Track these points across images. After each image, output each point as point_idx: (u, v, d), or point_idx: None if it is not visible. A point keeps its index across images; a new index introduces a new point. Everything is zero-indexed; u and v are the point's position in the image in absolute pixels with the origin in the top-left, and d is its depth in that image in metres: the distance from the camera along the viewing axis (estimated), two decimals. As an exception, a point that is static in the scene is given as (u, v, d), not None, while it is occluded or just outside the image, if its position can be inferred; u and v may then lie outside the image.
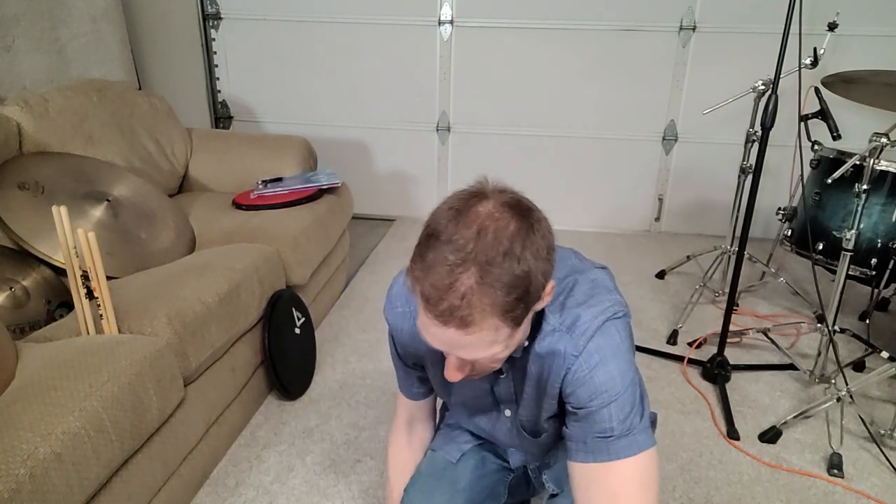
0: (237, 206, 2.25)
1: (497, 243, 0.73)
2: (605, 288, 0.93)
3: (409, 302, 1.01)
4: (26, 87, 2.18)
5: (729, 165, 3.17)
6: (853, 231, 1.80)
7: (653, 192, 3.34)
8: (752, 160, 2.00)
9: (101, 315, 1.37)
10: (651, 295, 2.69)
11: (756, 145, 2.21)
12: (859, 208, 1.80)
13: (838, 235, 1.86)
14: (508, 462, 1.21)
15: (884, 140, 1.75)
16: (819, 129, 2.05)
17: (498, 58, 3.16)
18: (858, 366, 2.14)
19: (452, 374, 0.85)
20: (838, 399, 1.78)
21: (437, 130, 3.35)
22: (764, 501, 1.57)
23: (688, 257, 2.83)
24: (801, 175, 2.13)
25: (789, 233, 2.23)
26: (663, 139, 3.23)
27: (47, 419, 1.07)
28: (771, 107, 1.72)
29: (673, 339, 2.30)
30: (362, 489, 1.58)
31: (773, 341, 2.19)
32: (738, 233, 2.02)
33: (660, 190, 3.33)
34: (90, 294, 1.35)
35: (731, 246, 2.58)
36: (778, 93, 1.72)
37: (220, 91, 3.41)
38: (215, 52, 3.33)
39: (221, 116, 3.46)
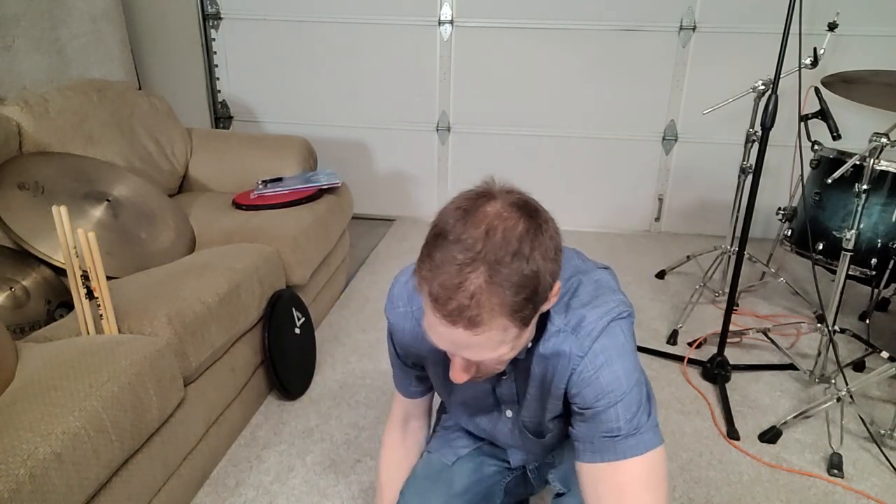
0: (237, 206, 2.25)
1: (506, 243, 0.73)
2: (610, 288, 0.93)
3: (410, 301, 1.01)
4: (26, 87, 2.18)
5: (729, 165, 3.17)
6: (853, 231, 1.80)
7: (653, 192, 3.34)
8: (752, 160, 2.00)
9: (101, 315, 1.37)
10: (651, 295, 2.69)
11: (756, 145, 2.21)
12: (859, 208, 1.80)
13: (838, 235, 1.86)
14: (509, 462, 1.21)
15: (884, 140, 1.75)
16: (819, 129, 2.05)
17: (498, 58, 3.16)
18: (858, 366, 2.14)
19: (458, 375, 0.84)
20: (838, 399, 1.78)
21: (437, 130, 3.35)
22: (764, 501, 1.57)
23: (688, 257, 2.83)
24: (801, 175, 2.13)
25: (789, 233, 2.23)
26: (663, 139, 3.23)
27: (47, 419, 1.06)
28: (771, 107, 1.72)
29: (673, 339, 2.30)
30: (362, 489, 1.58)
31: (773, 341, 2.19)
32: (738, 233, 2.02)
33: (660, 190, 3.33)
34: (90, 294, 1.35)
35: (731, 246, 2.58)
36: (778, 93, 1.72)
37: (220, 91, 3.41)
38: (215, 52, 3.33)
39: (221, 116, 3.46)
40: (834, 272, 1.94)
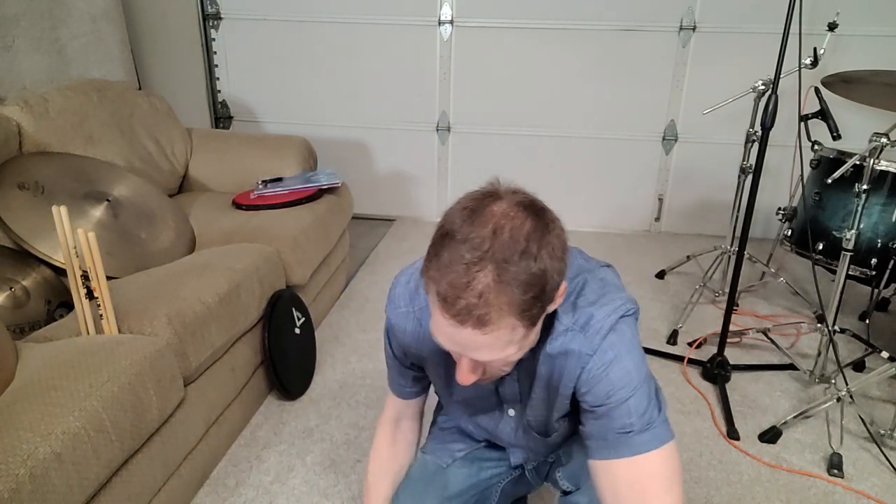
0: (237, 206, 2.25)
1: (514, 242, 0.73)
2: (615, 286, 0.94)
3: (412, 302, 1.01)
4: (26, 87, 2.18)
5: (729, 165, 3.17)
6: (853, 231, 1.80)
7: (653, 192, 3.34)
8: (752, 160, 2.00)
9: (101, 315, 1.37)
10: (651, 295, 2.69)
11: (756, 145, 2.21)
12: (859, 208, 1.80)
13: (838, 235, 1.86)
14: (508, 462, 1.20)
15: (884, 140, 1.75)
16: (819, 129, 2.05)
17: (498, 58, 3.16)
18: (858, 366, 2.14)
19: (465, 377, 0.84)
20: (838, 399, 1.78)
21: (437, 130, 3.35)
22: (764, 501, 1.57)
23: (688, 257, 2.83)
24: (801, 175, 2.13)
25: (789, 233, 2.23)
26: (663, 139, 3.23)
27: (47, 419, 1.07)
28: (771, 107, 1.72)
29: (673, 339, 2.30)
30: (362, 489, 1.58)
31: (773, 341, 2.19)
32: (738, 233, 2.02)
33: (660, 190, 3.33)
34: (90, 294, 1.35)
35: (731, 246, 2.58)
36: (778, 93, 1.72)
37: (220, 91, 3.41)
38: (215, 52, 3.33)
39: (221, 116, 3.46)
40: (834, 272, 1.94)
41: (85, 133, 2.05)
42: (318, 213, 2.25)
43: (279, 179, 2.41)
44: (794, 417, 1.82)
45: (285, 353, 1.90)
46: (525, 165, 3.34)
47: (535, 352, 0.92)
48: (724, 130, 3.13)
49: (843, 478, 1.65)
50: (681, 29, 3.01)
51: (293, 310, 1.96)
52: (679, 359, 2.17)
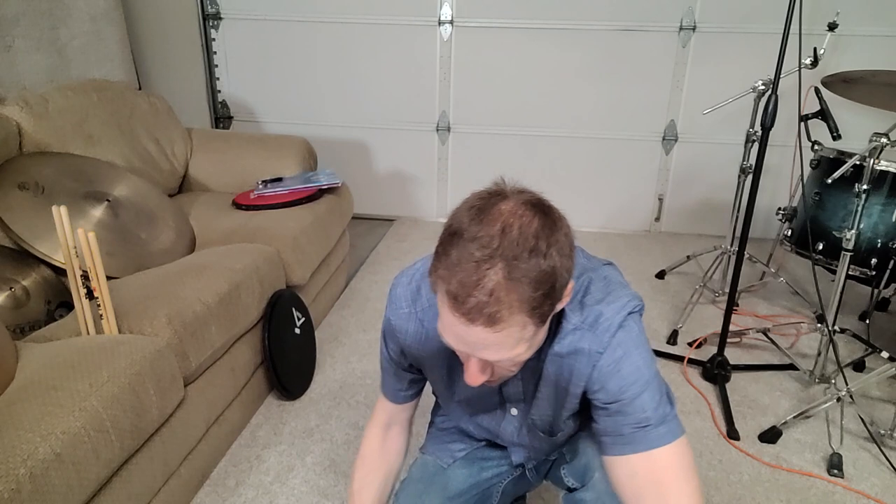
0: (237, 206, 2.25)
1: (523, 240, 0.73)
2: (619, 283, 0.94)
3: (414, 303, 1.00)
4: (26, 87, 2.18)
5: (729, 165, 3.17)
6: (853, 231, 1.80)
7: (653, 192, 3.34)
8: (752, 160, 2.00)
9: (101, 315, 1.37)
10: (651, 295, 2.69)
11: (756, 145, 2.21)
12: (859, 208, 1.80)
13: (838, 235, 1.86)
14: (509, 461, 1.20)
15: (884, 140, 1.75)
16: (819, 129, 2.05)
17: (498, 58, 3.16)
18: (858, 366, 2.14)
19: (474, 378, 0.83)
20: (838, 399, 1.78)
21: (437, 130, 3.35)
22: (764, 501, 1.57)
23: (688, 257, 2.83)
24: (801, 175, 2.13)
25: (789, 233, 2.23)
26: (663, 139, 3.23)
27: (47, 419, 1.07)
28: (771, 107, 1.72)
29: (673, 339, 2.30)
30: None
31: (773, 341, 2.19)
32: (738, 233, 2.02)
33: (660, 190, 3.33)
34: (90, 294, 1.35)
35: (731, 246, 2.58)
36: (778, 93, 1.72)
37: (220, 91, 3.41)
38: (215, 52, 3.33)
39: (221, 116, 3.46)
40: (834, 272, 1.94)
41: (85, 133, 2.05)
42: (318, 213, 2.25)
43: (279, 179, 2.42)
44: (794, 417, 1.82)
45: (285, 353, 1.90)
46: (525, 165, 3.34)
47: (539, 351, 0.92)
48: (724, 130, 3.13)
49: (843, 478, 1.65)
50: (681, 29, 3.01)
51: (293, 310, 1.96)
52: (679, 359, 2.17)
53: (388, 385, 1.15)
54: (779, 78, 1.74)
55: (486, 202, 0.77)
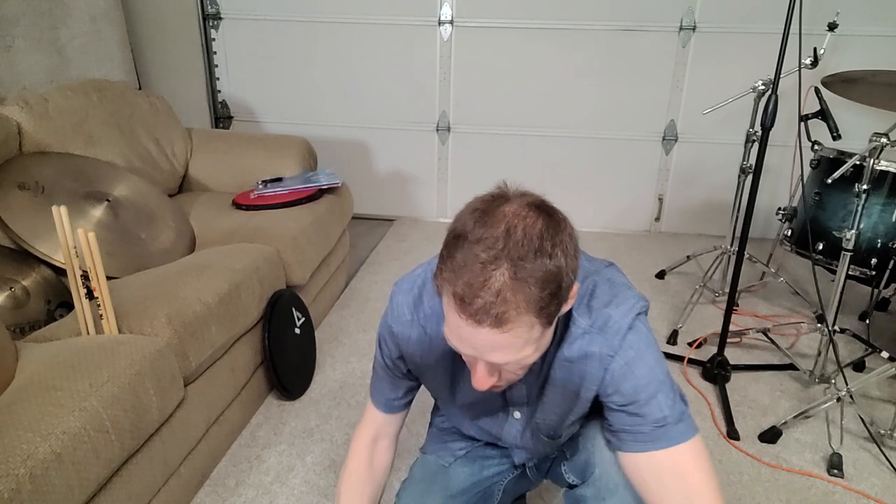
0: (237, 206, 2.25)
1: (527, 240, 0.73)
2: (624, 285, 0.95)
3: (416, 309, 1.00)
4: (26, 87, 2.18)
5: (729, 165, 3.17)
6: (853, 231, 1.80)
7: (653, 192, 3.34)
8: (752, 160, 2.00)
9: (101, 315, 1.37)
10: (651, 295, 2.69)
11: (756, 145, 2.21)
12: (859, 208, 1.80)
13: (838, 235, 1.86)
14: (511, 461, 1.20)
15: (884, 140, 1.75)
16: (819, 129, 2.05)
17: (498, 58, 3.16)
18: (858, 366, 2.14)
19: (482, 382, 0.83)
20: (838, 399, 1.78)
21: (437, 130, 3.35)
22: (764, 501, 1.57)
23: (688, 257, 2.83)
24: (801, 175, 2.13)
25: (789, 233, 2.23)
26: (663, 139, 3.23)
27: (47, 419, 1.07)
28: (771, 107, 1.72)
29: (673, 339, 2.30)
30: None
31: (773, 341, 2.19)
32: (738, 233, 2.02)
33: (660, 190, 3.33)
34: (90, 294, 1.35)
35: (731, 246, 2.58)
36: (778, 93, 1.72)
37: (220, 91, 3.41)
38: (215, 52, 3.33)
39: (221, 116, 3.46)
40: (834, 272, 1.94)
41: (85, 133, 2.05)
42: (318, 213, 2.25)
43: (279, 179, 2.42)
44: (794, 417, 1.81)
45: (285, 353, 1.90)
46: (525, 165, 3.34)
47: (544, 354, 0.92)
48: (724, 130, 3.13)
49: (843, 478, 1.65)
50: (681, 29, 3.01)
51: (293, 310, 1.96)
52: (679, 359, 2.17)
53: (382, 394, 1.14)
54: (779, 78, 1.74)
55: (490, 205, 0.77)
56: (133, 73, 2.81)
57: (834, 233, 1.99)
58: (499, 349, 0.76)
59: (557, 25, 3.06)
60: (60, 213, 1.31)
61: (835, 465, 1.67)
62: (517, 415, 1.07)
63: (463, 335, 0.77)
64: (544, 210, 0.78)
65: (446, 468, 1.18)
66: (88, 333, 1.38)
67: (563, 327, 0.92)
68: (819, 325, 1.96)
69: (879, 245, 1.99)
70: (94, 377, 1.18)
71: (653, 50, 3.06)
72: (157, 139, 2.37)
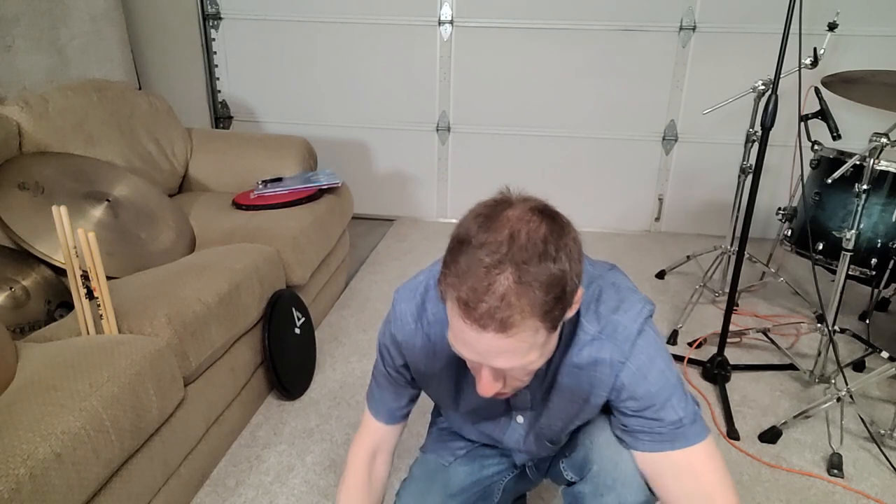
0: (237, 206, 2.25)
1: (531, 245, 0.73)
2: (629, 289, 0.95)
3: (419, 318, 0.99)
4: (26, 87, 2.18)
5: (729, 165, 3.17)
6: (853, 231, 1.80)
7: (653, 192, 3.34)
8: (752, 160, 2.00)
9: (101, 315, 1.37)
10: (651, 295, 2.69)
11: (756, 145, 2.21)
12: (859, 208, 1.80)
13: (838, 235, 1.86)
14: (511, 461, 1.20)
15: (884, 140, 1.75)
16: (819, 129, 2.05)
17: (498, 58, 3.16)
18: (858, 366, 2.14)
19: (487, 388, 0.83)
20: (838, 399, 1.78)
21: (437, 130, 3.35)
22: (764, 501, 1.57)
23: (688, 257, 2.83)
24: (801, 175, 2.13)
25: (789, 233, 2.23)
26: (663, 139, 3.23)
27: (47, 419, 1.07)
28: (771, 107, 1.72)
29: (673, 339, 2.30)
30: None
31: (773, 341, 2.19)
32: (738, 233, 2.02)
33: (660, 190, 3.33)
34: (90, 294, 1.35)
35: (731, 246, 2.58)
36: (778, 93, 1.72)
37: (220, 91, 3.41)
38: (215, 52, 3.33)
39: (221, 116, 3.46)
40: (834, 272, 1.94)
41: (85, 133, 2.05)
42: (318, 213, 2.25)
43: (279, 179, 2.42)
44: (794, 417, 1.81)
45: (285, 353, 1.90)
46: (525, 166, 3.34)
47: (550, 360, 0.92)
48: (724, 130, 3.13)
49: (843, 478, 1.65)
50: (681, 29, 3.01)
51: (293, 310, 1.96)
52: (679, 359, 2.17)
53: (384, 404, 1.12)
54: (779, 78, 1.74)
55: (493, 210, 0.77)
56: (133, 73, 2.81)
57: (834, 233, 1.99)
58: (503, 354, 0.76)
59: (557, 25, 3.06)
60: (60, 213, 1.31)
61: (835, 465, 1.67)
62: (520, 419, 1.07)
63: (467, 340, 0.76)
64: (548, 214, 0.77)
65: (446, 467, 1.18)
66: (88, 333, 1.38)
67: (570, 333, 0.92)
68: (819, 325, 1.96)
69: (879, 245, 1.99)
70: (94, 377, 1.18)
71: (653, 50, 3.06)
72: (157, 139, 2.37)
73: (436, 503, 1.14)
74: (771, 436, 1.78)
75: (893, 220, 1.97)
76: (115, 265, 1.72)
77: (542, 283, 0.73)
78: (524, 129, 3.28)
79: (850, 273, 1.91)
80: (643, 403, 0.91)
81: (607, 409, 1.00)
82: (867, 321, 2.41)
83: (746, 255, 2.27)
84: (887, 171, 1.95)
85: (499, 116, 3.27)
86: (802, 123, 2.04)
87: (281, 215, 2.15)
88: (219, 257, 1.76)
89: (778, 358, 2.17)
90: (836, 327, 1.94)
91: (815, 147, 2.11)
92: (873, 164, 1.76)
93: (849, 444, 1.77)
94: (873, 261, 2.00)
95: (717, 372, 2.03)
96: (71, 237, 1.32)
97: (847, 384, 1.80)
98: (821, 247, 2.07)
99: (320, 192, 2.36)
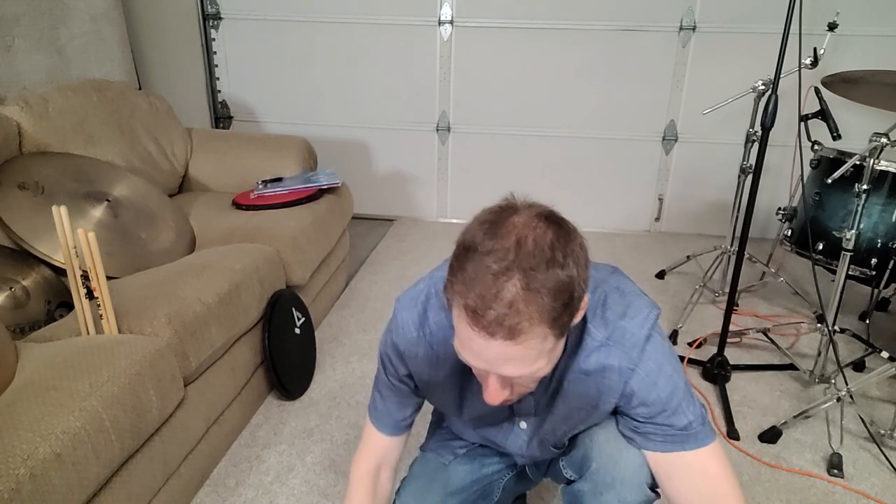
0: (237, 206, 2.25)
1: (538, 251, 0.73)
2: (634, 293, 0.96)
3: (422, 325, 0.98)
4: (26, 87, 2.18)
5: (729, 165, 3.17)
6: (853, 231, 1.80)
7: (653, 192, 3.34)
8: (752, 160, 2.00)
9: (101, 315, 1.37)
10: (651, 295, 2.67)
11: (756, 145, 2.21)
12: (859, 208, 1.80)
13: (838, 235, 1.86)
14: (513, 461, 1.20)
15: (884, 140, 1.75)
16: (819, 129, 2.05)
17: (498, 58, 3.16)
18: (858, 366, 2.14)
19: (494, 396, 0.82)
20: (838, 399, 1.78)
21: (437, 130, 3.35)
22: (764, 501, 1.57)
23: (688, 257, 2.83)
24: (801, 175, 2.13)
25: (789, 233, 2.23)
26: (663, 139, 3.23)
27: (47, 419, 1.07)
28: (771, 107, 1.72)
29: (673, 339, 2.31)
30: None
31: (773, 341, 2.19)
32: (738, 233, 2.02)
33: (660, 190, 3.33)
34: (90, 294, 1.35)
35: (731, 246, 2.58)
36: (778, 93, 1.72)
37: (220, 91, 3.41)
38: (215, 52, 3.33)
39: (221, 116, 3.46)
40: (834, 272, 1.94)
41: (85, 133, 2.05)
42: (318, 213, 2.25)
43: (279, 179, 2.42)
44: (794, 417, 1.81)
45: (285, 353, 1.90)
46: (525, 166, 3.34)
47: (555, 366, 0.91)
48: (724, 130, 3.13)
49: (843, 478, 1.65)
50: (681, 29, 3.01)
51: (293, 310, 1.96)
52: (679, 359, 2.17)
53: (389, 416, 1.11)
54: (779, 78, 1.74)
55: (499, 216, 0.77)
56: (133, 73, 2.81)
57: (834, 233, 1.99)
58: (511, 361, 0.75)
59: (557, 25, 3.06)
60: (60, 213, 1.31)
61: (835, 465, 1.67)
62: (523, 425, 1.06)
63: (475, 348, 0.76)
64: (554, 220, 0.77)
65: (446, 466, 1.18)
66: (88, 333, 1.38)
67: (577, 339, 0.91)
68: (819, 325, 1.96)
69: (879, 245, 1.99)
70: (93, 377, 1.18)
71: (653, 50, 3.06)
72: (157, 139, 2.38)
73: (435, 502, 1.14)
74: (771, 436, 1.78)
75: (893, 220, 1.97)
76: (115, 265, 1.72)
77: (550, 289, 0.72)
78: (524, 129, 3.28)
79: (850, 273, 1.91)
80: (654, 409, 0.92)
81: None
82: (867, 321, 2.41)
83: (746, 255, 2.27)
84: (887, 171, 1.95)
85: (499, 116, 3.27)
86: (802, 123, 2.04)
87: (281, 215, 2.15)
88: (219, 257, 1.76)
89: (778, 358, 2.17)
90: (836, 327, 1.94)
91: (815, 147, 2.11)
92: (873, 164, 1.76)
93: (849, 444, 1.77)
94: (873, 261, 2.00)
95: (717, 372, 2.03)
96: (71, 237, 1.32)
97: (847, 384, 1.80)
98: (821, 247, 2.07)
99: (320, 192, 2.36)
